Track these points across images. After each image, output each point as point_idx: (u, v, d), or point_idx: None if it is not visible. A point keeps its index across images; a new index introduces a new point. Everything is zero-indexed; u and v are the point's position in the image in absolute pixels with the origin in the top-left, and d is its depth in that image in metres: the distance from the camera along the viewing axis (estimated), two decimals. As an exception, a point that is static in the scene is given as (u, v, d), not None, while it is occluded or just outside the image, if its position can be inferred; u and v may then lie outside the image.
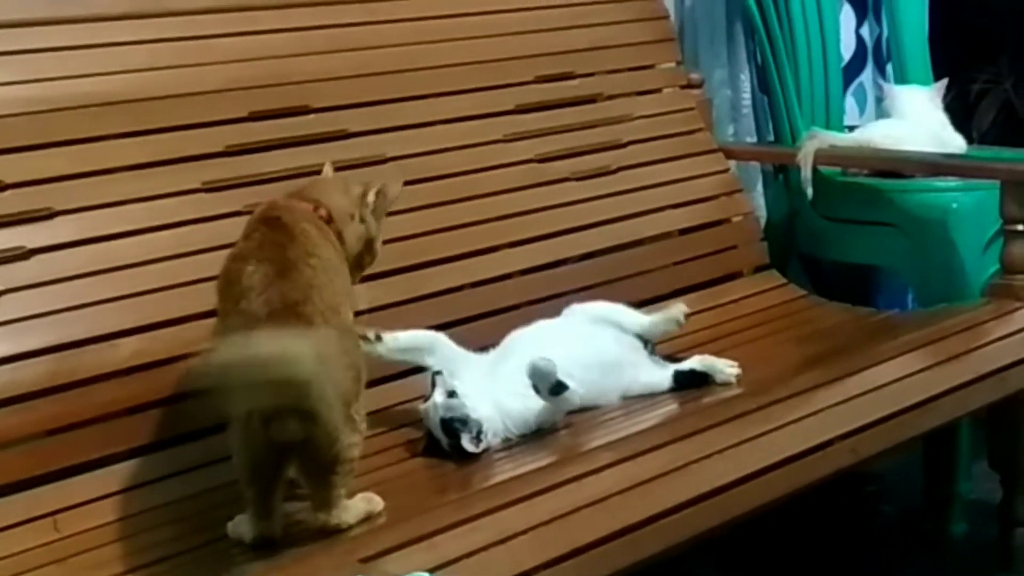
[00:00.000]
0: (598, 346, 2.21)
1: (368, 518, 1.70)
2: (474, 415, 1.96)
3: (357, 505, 1.70)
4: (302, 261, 1.72)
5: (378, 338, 2.05)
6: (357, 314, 1.89)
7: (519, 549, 1.56)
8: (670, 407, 2.21)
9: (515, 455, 1.99)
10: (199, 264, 2.02)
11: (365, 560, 1.47)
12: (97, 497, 1.85)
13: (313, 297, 1.68)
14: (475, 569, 1.51)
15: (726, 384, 2.24)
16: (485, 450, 1.97)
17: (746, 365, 2.30)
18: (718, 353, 2.33)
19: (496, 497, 1.67)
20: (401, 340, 2.09)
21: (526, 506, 1.64)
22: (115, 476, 1.89)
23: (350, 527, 1.67)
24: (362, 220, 1.91)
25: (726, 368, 2.26)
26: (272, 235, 1.75)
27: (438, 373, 2.02)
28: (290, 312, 1.64)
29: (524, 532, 1.58)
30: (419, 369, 2.12)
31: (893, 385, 2.15)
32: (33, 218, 1.97)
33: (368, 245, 1.92)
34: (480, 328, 2.29)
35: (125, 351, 1.95)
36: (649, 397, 2.23)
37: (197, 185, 2.14)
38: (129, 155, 2.10)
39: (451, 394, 1.98)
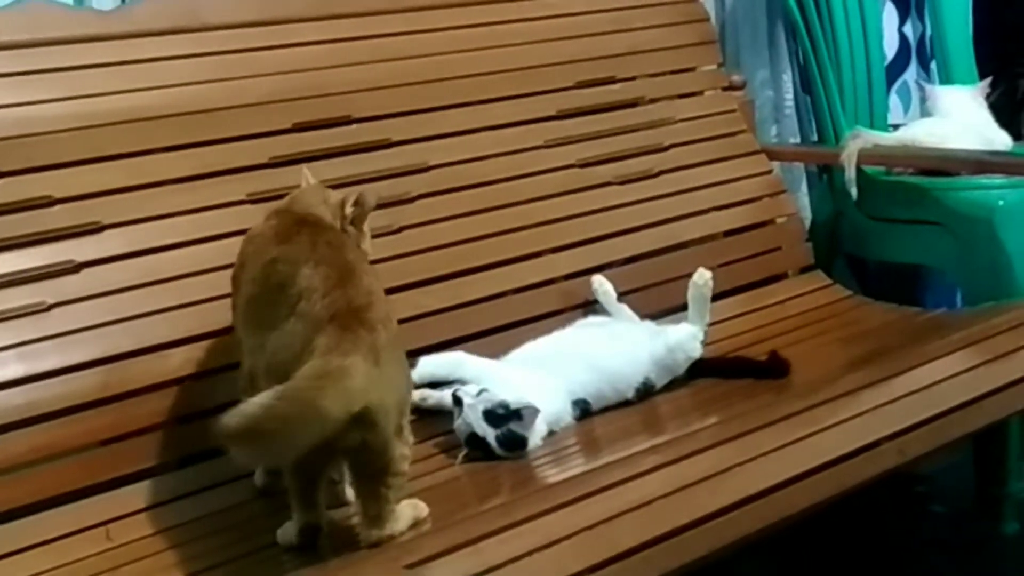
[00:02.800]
0: (594, 354, 2.22)
1: (415, 524, 1.71)
2: (512, 398, 1.99)
3: (405, 512, 1.71)
4: (360, 266, 1.72)
5: None
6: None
7: (564, 554, 1.56)
8: (714, 410, 2.21)
9: (557, 461, 2.00)
10: (245, 275, 2.04)
11: (410, 566, 1.48)
12: (148, 506, 1.88)
13: (375, 303, 1.67)
14: (520, 574, 1.51)
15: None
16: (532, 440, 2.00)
17: (793, 366, 2.30)
18: (764, 355, 2.34)
19: (540, 502, 1.67)
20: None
21: (570, 511, 1.64)
22: (166, 485, 1.92)
23: (402, 534, 1.69)
24: (343, 230, 1.88)
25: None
26: (323, 236, 1.75)
27: (456, 390, 2.04)
28: (354, 317, 1.63)
29: (568, 537, 1.58)
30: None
31: (940, 384, 2.12)
32: (82, 232, 2.01)
33: None
34: (524, 334, 2.30)
35: (174, 362, 1.98)
36: (695, 399, 2.24)
37: (242, 197, 2.17)
38: (175, 168, 2.14)
39: (481, 391, 2.01)
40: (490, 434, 1.98)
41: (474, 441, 1.99)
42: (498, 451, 1.98)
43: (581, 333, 2.31)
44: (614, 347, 2.24)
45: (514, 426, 1.97)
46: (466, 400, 1.99)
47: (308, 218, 1.81)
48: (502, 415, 1.97)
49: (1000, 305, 2.56)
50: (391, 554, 1.57)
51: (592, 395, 2.17)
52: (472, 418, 1.98)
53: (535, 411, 2.00)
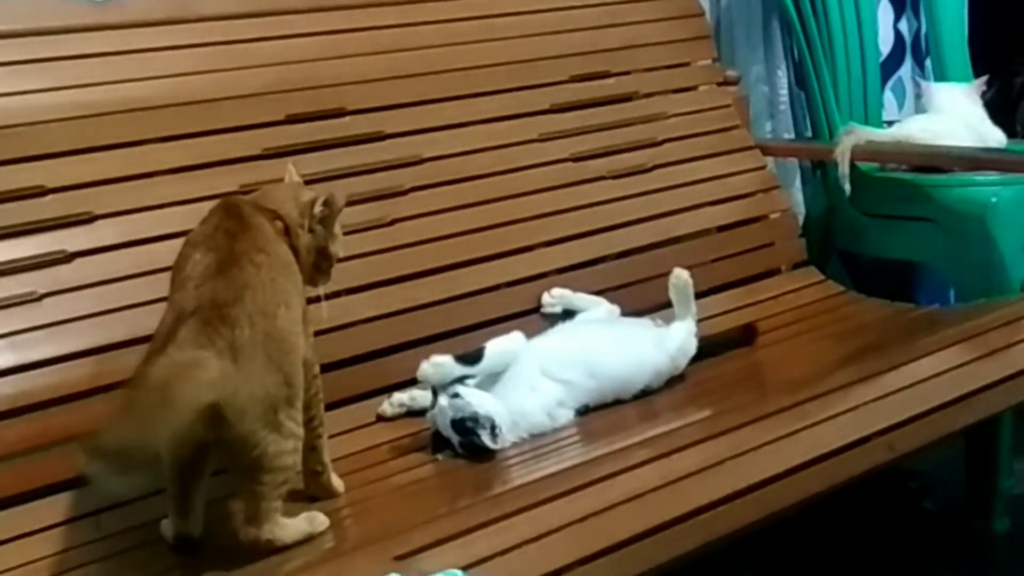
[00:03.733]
0: (601, 362, 2.21)
1: (309, 539, 1.68)
2: (482, 411, 1.99)
3: (297, 525, 1.68)
4: (247, 257, 1.67)
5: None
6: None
7: (553, 546, 1.56)
8: (706, 404, 2.22)
9: (548, 453, 2.00)
10: (237, 266, 2.03)
11: (399, 558, 1.48)
12: (140, 496, 1.87)
13: (245, 298, 1.63)
14: (509, 567, 1.51)
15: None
16: (500, 448, 1.99)
17: (784, 362, 2.30)
18: (756, 350, 2.34)
19: (530, 495, 1.67)
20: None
21: (560, 503, 1.64)
22: (157, 475, 1.91)
23: (286, 546, 1.66)
24: (310, 230, 1.83)
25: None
26: (226, 223, 1.72)
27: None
28: (215, 313, 1.61)
29: (558, 529, 1.58)
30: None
31: (931, 380, 2.12)
32: (74, 222, 2.00)
33: (322, 253, 1.84)
34: (518, 327, 2.28)
35: (165, 352, 1.97)
36: (688, 393, 2.25)
37: (235, 188, 2.15)
38: (168, 159, 2.13)
39: (455, 396, 2.01)
40: (454, 439, 1.99)
41: (439, 438, 2.01)
42: (462, 453, 1.99)
43: (589, 334, 2.28)
44: (620, 354, 2.23)
45: (477, 440, 1.97)
46: (441, 401, 2.01)
47: (233, 204, 1.77)
48: (469, 428, 1.98)
49: (992, 302, 2.57)
50: (379, 546, 1.57)
51: (594, 400, 2.18)
52: (440, 423, 2.00)
53: (499, 432, 1.99)
